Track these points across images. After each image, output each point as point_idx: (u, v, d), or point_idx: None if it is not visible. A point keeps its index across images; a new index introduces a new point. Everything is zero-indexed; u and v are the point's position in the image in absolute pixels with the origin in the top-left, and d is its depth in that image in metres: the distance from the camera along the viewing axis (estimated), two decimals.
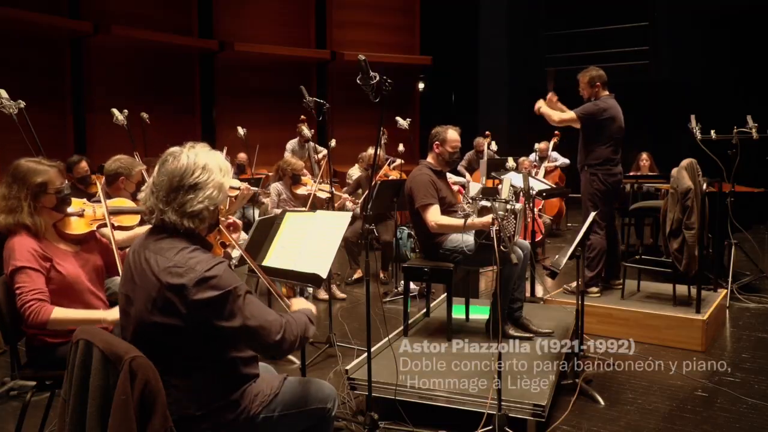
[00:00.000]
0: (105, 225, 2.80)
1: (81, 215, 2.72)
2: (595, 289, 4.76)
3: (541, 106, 4.88)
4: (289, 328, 1.87)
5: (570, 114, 4.71)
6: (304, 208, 5.28)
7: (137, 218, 3.22)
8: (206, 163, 1.86)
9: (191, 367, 1.84)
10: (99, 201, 3.01)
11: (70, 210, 2.65)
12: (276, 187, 5.75)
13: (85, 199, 2.98)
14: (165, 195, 1.84)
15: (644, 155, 7.70)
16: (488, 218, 3.31)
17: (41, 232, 2.51)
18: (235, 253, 2.75)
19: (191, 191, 1.83)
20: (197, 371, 1.85)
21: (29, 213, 2.45)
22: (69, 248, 2.61)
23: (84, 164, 5.12)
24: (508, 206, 3.14)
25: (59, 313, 2.35)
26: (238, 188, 5.32)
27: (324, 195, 5.67)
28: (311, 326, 2.01)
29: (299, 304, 2.14)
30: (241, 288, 1.81)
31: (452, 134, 4.01)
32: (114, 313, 2.43)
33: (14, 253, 2.40)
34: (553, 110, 4.82)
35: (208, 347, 1.84)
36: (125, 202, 3.46)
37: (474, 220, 3.42)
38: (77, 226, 2.67)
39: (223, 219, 2.27)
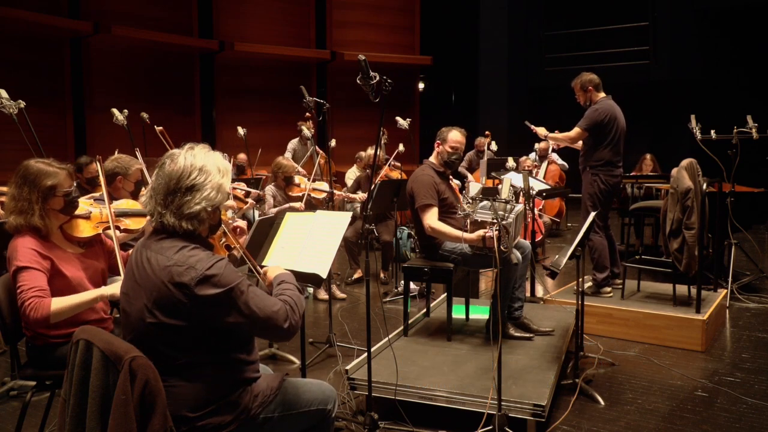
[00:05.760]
0: (110, 228, 2.80)
1: (87, 218, 2.72)
2: (608, 289, 4.76)
3: (546, 133, 4.97)
4: (292, 313, 1.90)
5: (577, 131, 4.73)
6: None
7: (144, 221, 3.21)
8: (204, 165, 1.87)
9: (190, 368, 1.83)
10: (104, 201, 3.01)
11: (76, 212, 2.65)
12: (270, 189, 5.75)
13: (92, 200, 2.97)
14: (163, 198, 1.84)
15: (648, 157, 7.65)
16: (478, 234, 3.38)
17: (49, 234, 2.51)
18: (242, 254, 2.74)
19: (188, 193, 1.84)
20: (196, 373, 1.84)
21: (40, 215, 2.46)
22: (74, 250, 2.61)
23: (94, 165, 5.14)
24: (503, 217, 3.16)
25: (57, 303, 2.34)
26: (246, 203, 5.38)
27: (319, 195, 5.66)
28: (302, 296, 2.03)
29: (274, 270, 2.14)
30: (243, 283, 1.81)
31: (454, 134, 3.99)
32: (111, 288, 2.44)
33: (17, 254, 2.40)
34: (562, 134, 4.88)
35: (208, 348, 1.84)
36: (133, 205, 3.44)
37: (465, 235, 3.50)
38: (83, 229, 2.66)
39: (229, 222, 2.25)
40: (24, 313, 2.31)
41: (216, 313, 1.78)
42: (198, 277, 1.75)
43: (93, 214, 2.76)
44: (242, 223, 2.44)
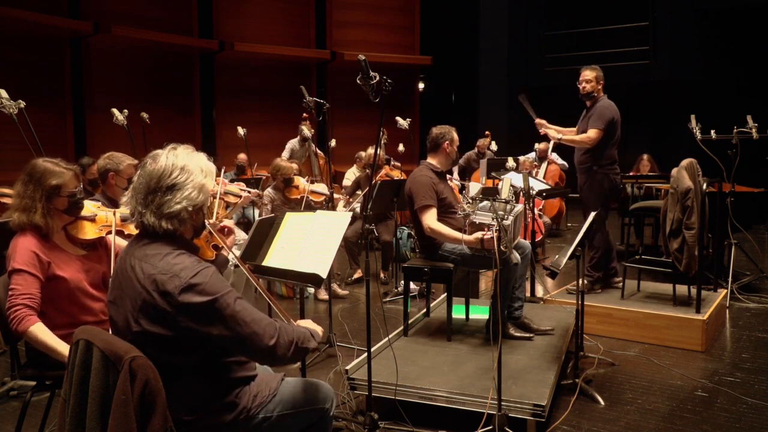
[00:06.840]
0: (116, 233, 2.81)
1: (93, 220, 2.73)
2: (597, 286, 4.83)
3: (560, 136, 4.89)
4: (283, 333, 1.83)
5: (596, 131, 4.68)
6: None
7: None
8: (185, 164, 1.84)
9: (183, 373, 1.81)
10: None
11: (82, 213, 2.66)
12: (268, 193, 5.68)
13: (99, 203, 2.97)
14: (143, 197, 1.82)
15: (645, 157, 7.67)
16: (476, 236, 3.39)
17: (51, 233, 2.52)
18: (231, 255, 2.74)
19: (169, 192, 1.80)
20: (189, 377, 1.82)
21: (42, 214, 2.47)
22: (76, 252, 2.61)
23: (96, 166, 5.13)
24: (502, 218, 3.17)
25: (38, 331, 2.32)
26: (240, 197, 5.32)
27: (318, 198, 5.63)
28: (312, 339, 1.95)
29: (305, 324, 2.05)
30: (230, 293, 1.76)
31: (456, 134, 4.06)
32: None
33: (16, 254, 2.41)
34: (575, 135, 4.84)
35: (198, 354, 1.81)
36: None
37: (464, 237, 3.52)
38: (87, 231, 2.67)
39: (216, 222, 2.24)
40: (7, 318, 2.33)
41: (200, 322, 1.72)
42: (182, 285, 1.71)
43: (99, 216, 2.77)
44: (230, 223, 2.44)
